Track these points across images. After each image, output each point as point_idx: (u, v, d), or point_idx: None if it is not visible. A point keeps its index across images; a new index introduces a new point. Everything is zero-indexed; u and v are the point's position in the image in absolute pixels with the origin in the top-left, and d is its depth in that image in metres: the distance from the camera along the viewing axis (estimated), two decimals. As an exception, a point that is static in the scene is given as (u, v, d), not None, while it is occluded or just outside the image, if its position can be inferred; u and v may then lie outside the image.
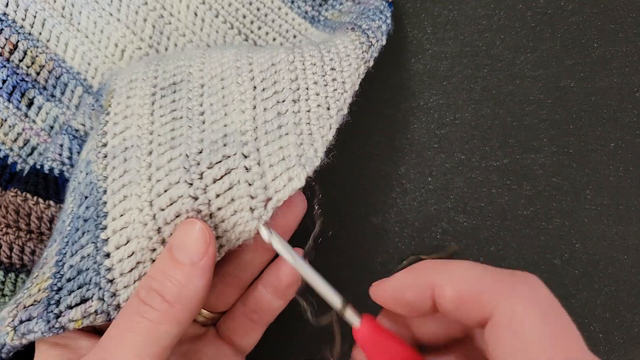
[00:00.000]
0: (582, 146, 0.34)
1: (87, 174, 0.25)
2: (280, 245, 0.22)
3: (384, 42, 0.30)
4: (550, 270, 0.33)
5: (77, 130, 0.29)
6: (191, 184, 0.22)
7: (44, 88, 0.33)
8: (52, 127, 0.32)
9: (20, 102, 0.32)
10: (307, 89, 0.26)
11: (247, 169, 0.23)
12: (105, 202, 0.23)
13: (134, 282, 0.22)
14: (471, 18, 0.36)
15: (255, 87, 0.26)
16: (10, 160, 0.31)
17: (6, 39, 0.32)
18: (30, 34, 0.33)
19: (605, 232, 0.33)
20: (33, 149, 0.32)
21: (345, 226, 0.33)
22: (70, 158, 0.29)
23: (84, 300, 0.21)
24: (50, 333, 0.21)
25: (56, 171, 0.29)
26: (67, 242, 0.23)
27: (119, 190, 0.23)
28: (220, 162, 0.23)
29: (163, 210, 0.22)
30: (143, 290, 0.21)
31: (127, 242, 0.22)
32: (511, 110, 0.35)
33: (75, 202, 0.25)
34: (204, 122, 0.25)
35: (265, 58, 0.27)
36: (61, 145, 0.29)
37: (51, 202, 0.29)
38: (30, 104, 0.32)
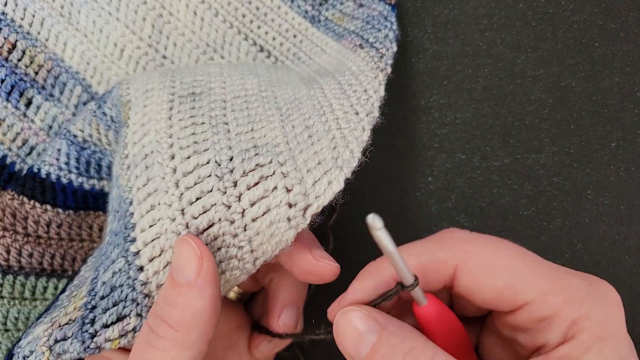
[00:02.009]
0: (584, 146, 0.34)
1: (116, 188, 0.24)
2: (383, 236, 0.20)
3: (395, 49, 0.30)
4: (551, 271, 0.33)
5: (75, 136, 0.29)
6: (224, 192, 0.21)
7: (43, 87, 0.32)
8: (50, 127, 0.32)
9: (18, 101, 0.32)
10: (330, 104, 0.26)
11: (284, 174, 0.22)
12: (132, 214, 0.22)
13: None
14: (472, 17, 0.36)
15: (281, 115, 0.25)
16: (9, 160, 0.31)
17: (5, 38, 0.32)
18: (29, 33, 0.33)
19: (607, 233, 0.33)
20: (32, 148, 0.32)
21: (346, 226, 0.33)
22: (67, 163, 0.29)
23: (120, 318, 0.21)
24: (86, 353, 0.20)
25: (53, 176, 0.29)
26: (102, 261, 0.23)
27: (145, 200, 0.22)
28: (254, 170, 0.22)
29: (196, 218, 0.21)
30: (151, 318, 0.20)
31: (161, 253, 0.21)
32: (512, 109, 0.35)
33: (111, 219, 0.24)
34: (229, 131, 0.24)
35: (289, 94, 0.27)
36: (59, 150, 0.29)
37: (48, 207, 0.29)
38: (28, 103, 0.32)
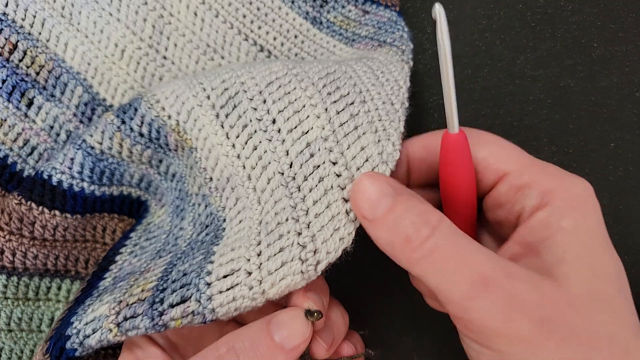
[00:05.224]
0: (582, 146, 0.34)
1: (206, 206, 0.27)
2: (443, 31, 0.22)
3: (412, 46, 0.31)
4: (550, 270, 0.33)
5: (92, 148, 0.29)
6: (290, 197, 0.24)
7: (44, 88, 0.33)
8: (51, 127, 0.32)
9: (20, 102, 0.32)
10: (368, 90, 0.27)
11: (337, 175, 0.24)
12: (224, 229, 0.25)
13: (227, 289, 0.22)
14: (471, 18, 0.36)
15: (320, 92, 0.26)
16: (10, 160, 0.31)
17: (6, 39, 0.32)
18: (30, 33, 0.33)
19: (605, 232, 0.33)
20: (33, 148, 0.32)
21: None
22: (81, 172, 0.29)
23: (183, 300, 0.22)
24: (154, 330, 0.22)
25: (65, 184, 0.29)
26: (181, 257, 0.25)
27: (236, 216, 0.25)
28: (312, 173, 0.24)
29: (267, 224, 0.23)
30: (224, 347, 0.21)
31: (231, 250, 0.23)
32: (511, 110, 0.35)
33: (196, 230, 0.27)
34: (279, 131, 0.25)
35: (319, 68, 0.27)
36: (72, 159, 0.29)
37: (56, 212, 0.29)
38: (30, 103, 0.32)
